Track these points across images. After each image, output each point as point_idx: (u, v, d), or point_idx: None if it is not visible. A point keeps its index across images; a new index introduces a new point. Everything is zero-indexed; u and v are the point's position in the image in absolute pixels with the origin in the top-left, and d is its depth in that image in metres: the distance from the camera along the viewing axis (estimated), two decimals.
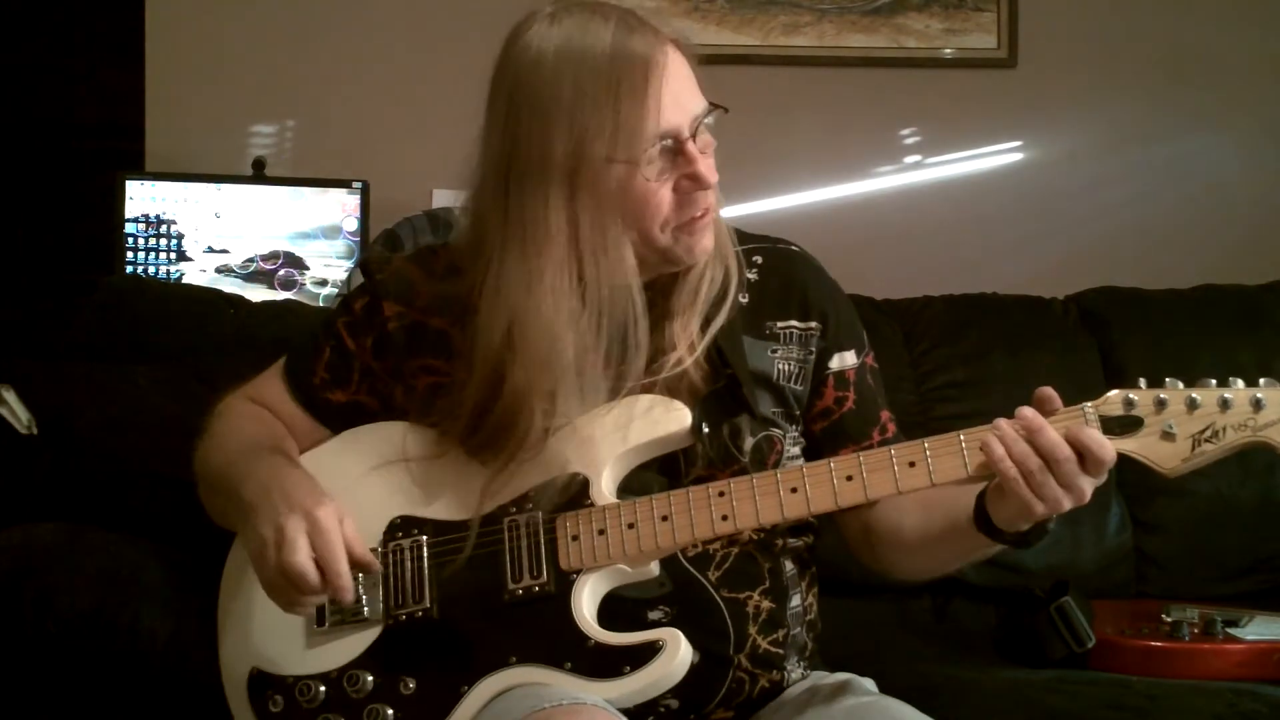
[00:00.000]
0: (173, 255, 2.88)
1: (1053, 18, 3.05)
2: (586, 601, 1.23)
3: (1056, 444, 1.17)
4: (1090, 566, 2.12)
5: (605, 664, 1.20)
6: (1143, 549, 2.17)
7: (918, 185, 3.07)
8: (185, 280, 2.83)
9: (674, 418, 1.28)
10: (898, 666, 1.37)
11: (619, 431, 1.27)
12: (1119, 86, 3.07)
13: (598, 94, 1.22)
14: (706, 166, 1.28)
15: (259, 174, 2.95)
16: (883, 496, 1.24)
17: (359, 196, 2.87)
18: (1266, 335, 2.27)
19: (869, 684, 1.36)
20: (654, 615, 1.28)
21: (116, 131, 3.21)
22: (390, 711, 1.22)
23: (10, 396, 1.82)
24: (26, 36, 3.69)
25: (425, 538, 1.28)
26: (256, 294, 2.70)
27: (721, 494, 1.23)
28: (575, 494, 1.26)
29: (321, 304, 2.80)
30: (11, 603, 1.41)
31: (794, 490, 1.22)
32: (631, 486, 1.30)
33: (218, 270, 2.88)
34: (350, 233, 2.88)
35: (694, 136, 1.27)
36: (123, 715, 1.43)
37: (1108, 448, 1.17)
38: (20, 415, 1.82)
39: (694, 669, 1.25)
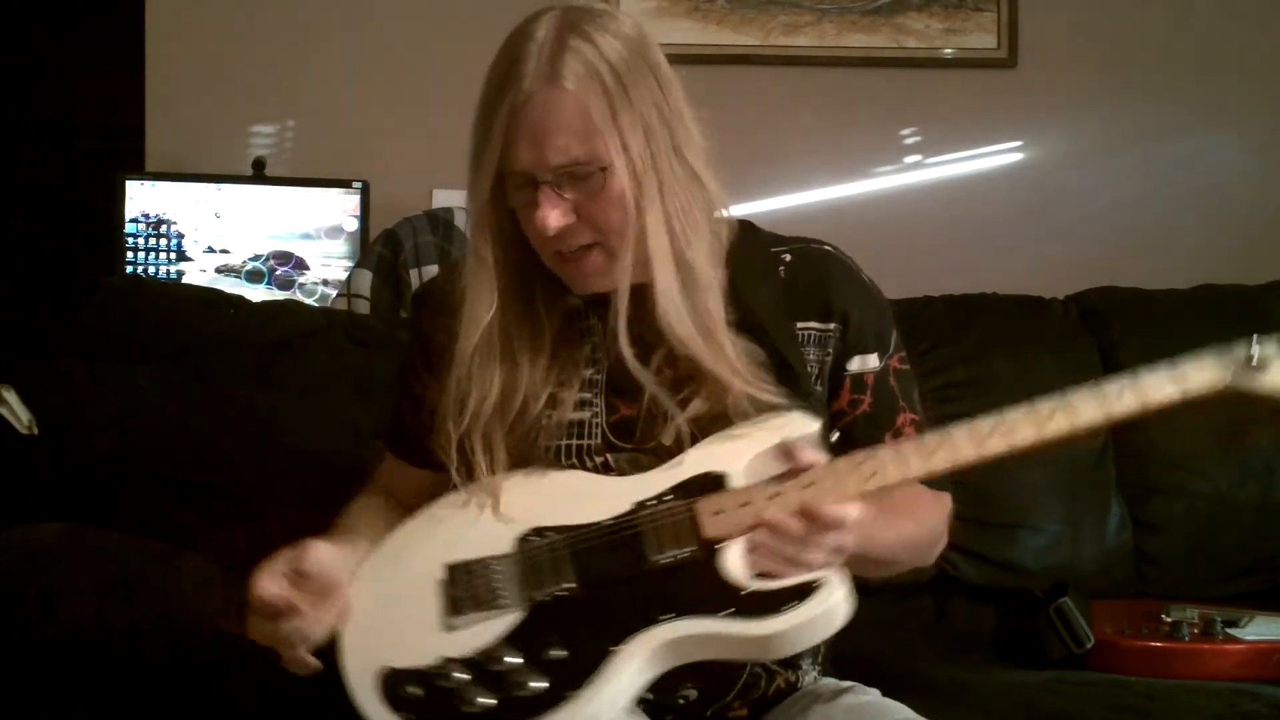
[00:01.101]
0: (173, 255, 2.88)
1: (1053, 18, 3.05)
2: (733, 563, 1.22)
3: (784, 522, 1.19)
4: (1090, 566, 2.12)
5: (766, 604, 1.18)
6: (1143, 549, 2.17)
7: (918, 185, 3.07)
8: (185, 280, 2.83)
9: (799, 423, 1.28)
10: (897, 667, 1.37)
11: (748, 437, 1.28)
12: (1119, 86, 3.07)
13: (479, 114, 1.27)
14: (543, 216, 1.24)
15: (259, 174, 2.95)
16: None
17: (359, 196, 2.87)
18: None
19: (874, 693, 1.37)
20: None
21: (116, 131, 3.21)
22: (537, 679, 1.20)
23: (10, 396, 1.82)
24: (26, 36, 3.69)
25: (561, 537, 1.27)
26: (256, 294, 2.70)
27: (865, 460, 1.23)
28: (713, 487, 1.25)
29: (321, 304, 2.80)
30: (13, 603, 1.41)
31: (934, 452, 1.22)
32: None
33: (218, 270, 2.88)
34: (350, 233, 2.88)
35: (560, 181, 1.24)
36: (122, 716, 1.43)
37: (839, 511, 1.18)
38: (20, 415, 1.82)
39: (712, 660, 1.26)
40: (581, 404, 1.34)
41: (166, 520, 1.77)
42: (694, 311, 1.29)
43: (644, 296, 1.28)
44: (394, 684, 1.22)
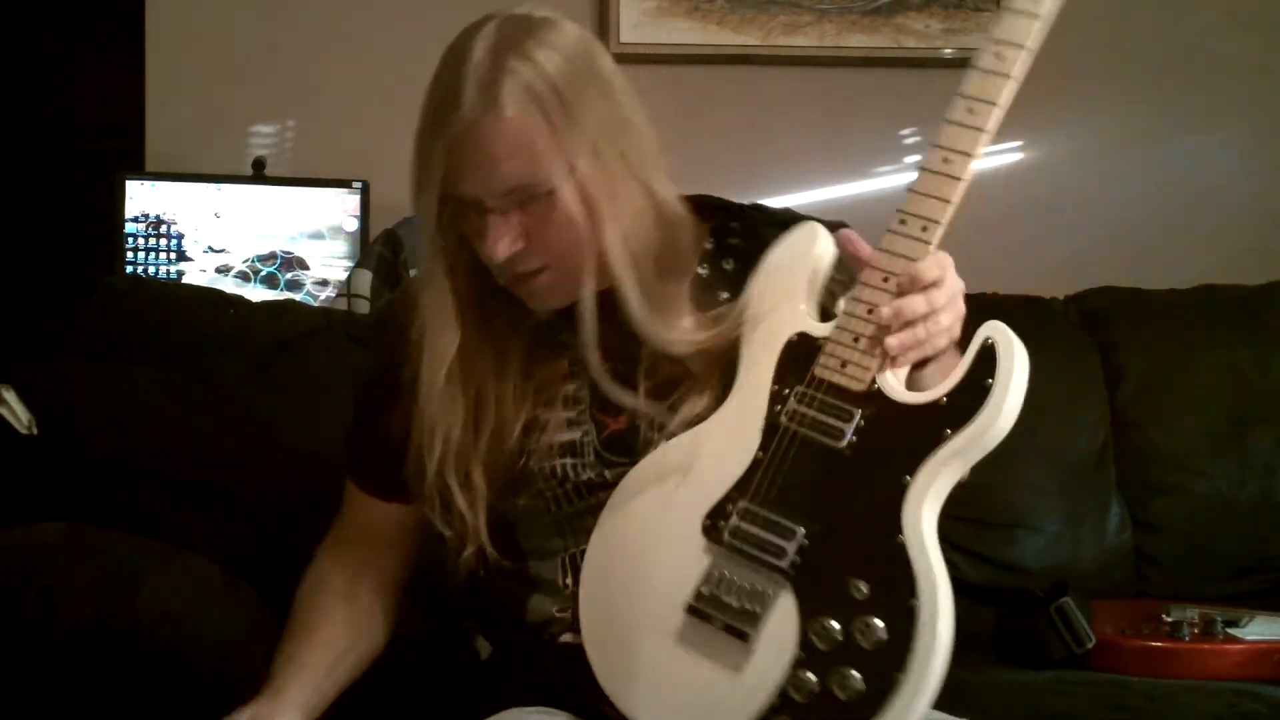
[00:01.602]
0: (173, 255, 2.88)
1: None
2: (903, 389, 1.17)
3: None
4: (1090, 566, 2.12)
5: (970, 396, 1.13)
6: (1143, 549, 2.17)
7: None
8: (185, 280, 2.83)
9: (811, 236, 1.28)
10: None
11: (784, 280, 1.25)
12: (1119, 87, 3.06)
13: (420, 137, 1.27)
14: (491, 243, 1.22)
15: (259, 174, 2.95)
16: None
17: (359, 196, 2.87)
18: (1266, 335, 2.27)
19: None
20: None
21: (116, 131, 3.21)
22: (872, 621, 1.11)
23: (10, 396, 1.82)
24: (27, 36, 3.69)
25: (742, 502, 1.18)
26: (256, 294, 2.70)
27: (903, 221, 1.20)
28: (809, 351, 1.20)
29: (320, 303, 2.80)
30: (13, 603, 1.41)
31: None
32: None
33: (218, 270, 2.88)
34: (350, 233, 2.88)
35: (506, 206, 1.22)
36: (122, 717, 1.43)
37: (928, 267, 1.16)
38: (20, 415, 1.82)
39: None
40: (570, 423, 1.31)
41: (166, 520, 1.77)
42: (664, 315, 1.26)
43: (613, 302, 1.25)
44: None
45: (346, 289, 2.69)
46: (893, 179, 3.07)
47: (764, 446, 1.19)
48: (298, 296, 2.82)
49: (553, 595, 1.31)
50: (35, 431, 1.82)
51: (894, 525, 1.12)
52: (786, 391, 1.20)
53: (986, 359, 1.13)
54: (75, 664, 1.41)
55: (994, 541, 2.13)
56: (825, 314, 1.25)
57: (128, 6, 3.12)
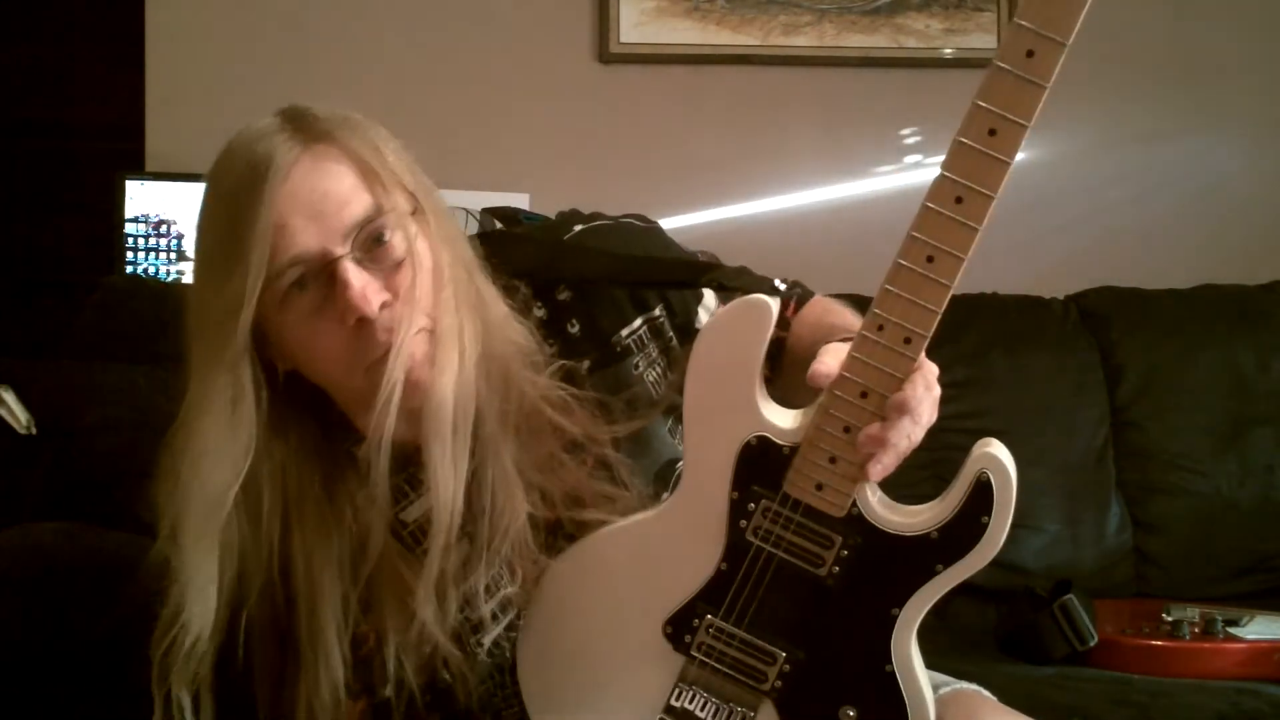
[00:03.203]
0: (173, 255, 2.88)
1: None
2: (883, 510, 1.08)
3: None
4: (1090, 566, 2.13)
5: (964, 535, 1.06)
6: (1143, 549, 2.17)
7: (918, 185, 3.06)
8: (185, 280, 2.83)
9: (756, 311, 1.07)
10: None
11: (740, 371, 1.07)
12: (1119, 86, 3.06)
13: (215, 231, 1.07)
14: (359, 291, 1.03)
15: None
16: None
17: None
18: (1266, 335, 2.27)
19: None
20: None
21: (116, 131, 3.21)
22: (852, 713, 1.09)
23: (10, 397, 1.82)
24: (26, 36, 3.69)
25: (709, 615, 1.10)
26: None
27: (880, 327, 1.05)
28: (773, 458, 1.07)
29: None
30: (12, 604, 1.41)
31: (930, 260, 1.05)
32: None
33: None
34: None
35: (357, 252, 1.05)
36: (122, 717, 1.43)
37: (910, 394, 1.05)
38: (20, 415, 1.82)
39: None
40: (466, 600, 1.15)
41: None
42: (517, 406, 1.12)
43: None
44: None
45: None
46: (892, 179, 3.07)
47: (728, 559, 1.09)
48: None
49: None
50: (35, 431, 1.81)
51: (883, 655, 1.09)
52: (751, 505, 1.08)
53: (983, 494, 1.06)
54: (74, 664, 1.41)
55: None
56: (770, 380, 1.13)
57: (128, 6, 3.12)
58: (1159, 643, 1.79)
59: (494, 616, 1.17)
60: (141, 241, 2.87)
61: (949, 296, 1.05)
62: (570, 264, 1.21)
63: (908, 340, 1.06)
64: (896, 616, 1.09)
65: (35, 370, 1.93)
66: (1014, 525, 2.12)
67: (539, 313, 1.19)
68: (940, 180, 1.07)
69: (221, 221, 1.06)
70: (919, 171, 3.08)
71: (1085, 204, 3.05)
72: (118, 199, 2.86)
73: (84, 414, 1.88)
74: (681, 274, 1.22)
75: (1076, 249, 3.02)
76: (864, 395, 1.05)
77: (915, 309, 1.05)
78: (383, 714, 1.16)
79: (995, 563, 2.24)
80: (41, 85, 3.63)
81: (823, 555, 1.08)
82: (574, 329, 1.19)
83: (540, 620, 1.16)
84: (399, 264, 1.07)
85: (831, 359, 1.04)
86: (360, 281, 1.04)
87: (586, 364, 1.18)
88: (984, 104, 1.05)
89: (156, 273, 2.86)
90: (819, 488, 1.06)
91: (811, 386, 1.04)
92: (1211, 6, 3.06)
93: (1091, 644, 1.79)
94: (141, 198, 2.87)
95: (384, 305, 1.06)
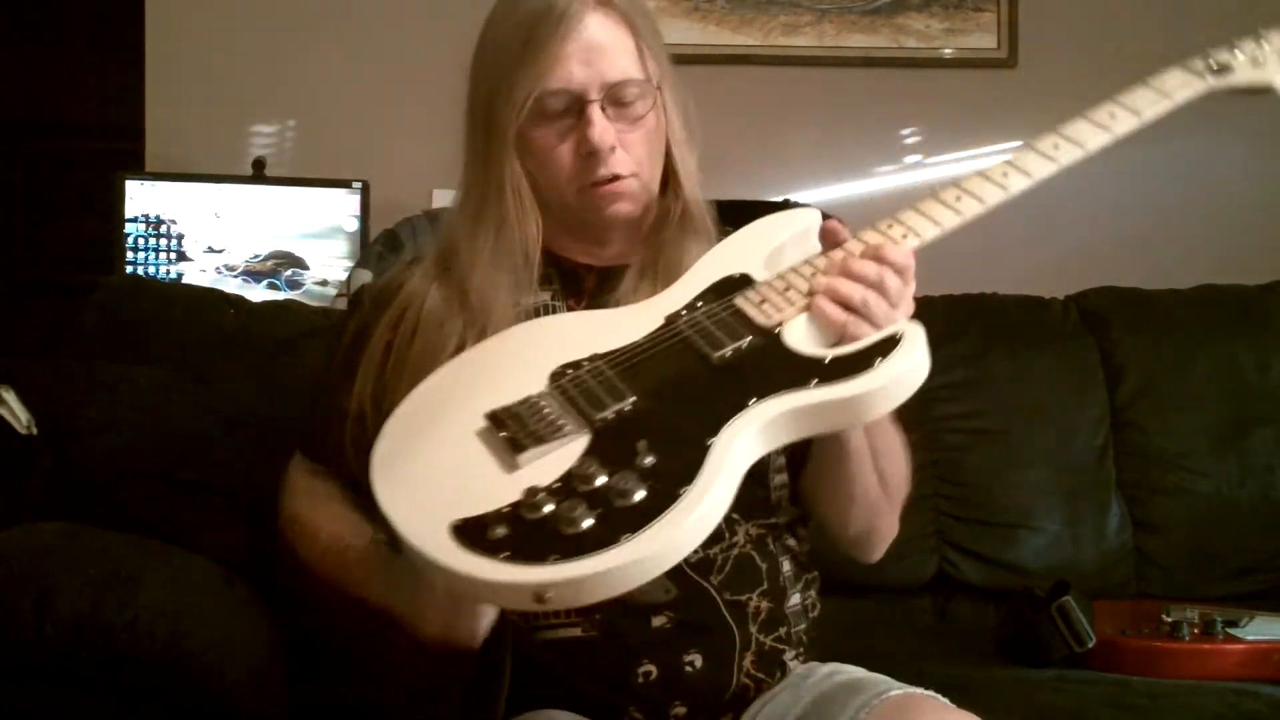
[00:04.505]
0: (173, 255, 2.88)
1: (1053, 18, 3.05)
2: (801, 338, 1.18)
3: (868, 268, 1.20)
4: (1090, 566, 2.13)
5: (855, 364, 1.13)
6: (1143, 549, 2.17)
7: (918, 185, 3.07)
8: (185, 280, 2.83)
9: (801, 214, 1.32)
10: (899, 666, 1.37)
11: (755, 240, 1.30)
12: (1119, 87, 3.05)
13: (511, 45, 1.30)
14: (600, 132, 1.29)
15: (259, 174, 2.95)
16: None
17: (359, 196, 2.87)
18: (1266, 335, 2.27)
19: (859, 670, 1.35)
20: (658, 621, 1.27)
21: (116, 131, 3.21)
22: (635, 481, 1.08)
23: (10, 396, 1.82)
24: (26, 36, 3.69)
25: (601, 363, 1.20)
26: (256, 294, 2.70)
27: (890, 225, 1.26)
28: (741, 285, 1.25)
29: (321, 303, 2.80)
30: (11, 604, 1.41)
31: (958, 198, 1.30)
32: None
33: (218, 270, 2.88)
34: (350, 233, 2.88)
35: (606, 103, 1.30)
36: (121, 717, 1.43)
37: (903, 252, 1.22)
38: (20, 415, 1.82)
39: (700, 673, 1.26)
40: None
41: (166, 520, 1.77)
42: (683, 249, 1.34)
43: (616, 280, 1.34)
44: (474, 532, 1.08)
45: (346, 289, 2.70)
46: (892, 179, 3.07)
47: (648, 335, 1.22)
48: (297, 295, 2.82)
49: None
50: (35, 431, 1.81)
51: (713, 429, 1.10)
52: (699, 303, 1.24)
53: (888, 344, 1.14)
54: (74, 663, 1.41)
55: (994, 541, 2.13)
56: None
57: (128, 6, 3.13)
58: (1158, 644, 1.79)
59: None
60: (141, 241, 2.87)
61: (956, 224, 1.27)
62: None
63: (905, 236, 1.24)
64: (750, 405, 1.11)
65: (35, 370, 1.93)
66: (1014, 525, 2.14)
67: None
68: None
69: (518, 41, 1.30)
70: (919, 171, 3.09)
71: (1085, 204, 3.05)
72: (118, 199, 2.86)
73: (84, 414, 1.88)
74: None
75: (1076, 249, 3.02)
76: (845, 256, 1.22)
77: (924, 221, 1.26)
78: None
79: (994, 562, 2.25)
80: (41, 85, 3.64)
81: (724, 343, 1.18)
82: None
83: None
84: (635, 122, 1.32)
85: (845, 232, 1.25)
86: (601, 125, 1.29)
87: None
88: None
89: (156, 273, 2.86)
90: (762, 302, 1.21)
91: (826, 243, 1.26)
92: (1212, 6, 3.06)
93: (1090, 645, 1.79)
94: (141, 198, 2.87)
95: (612, 148, 1.30)
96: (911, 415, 1.31)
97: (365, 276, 2.66)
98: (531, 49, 1.28)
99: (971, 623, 2.10)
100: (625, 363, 1.20)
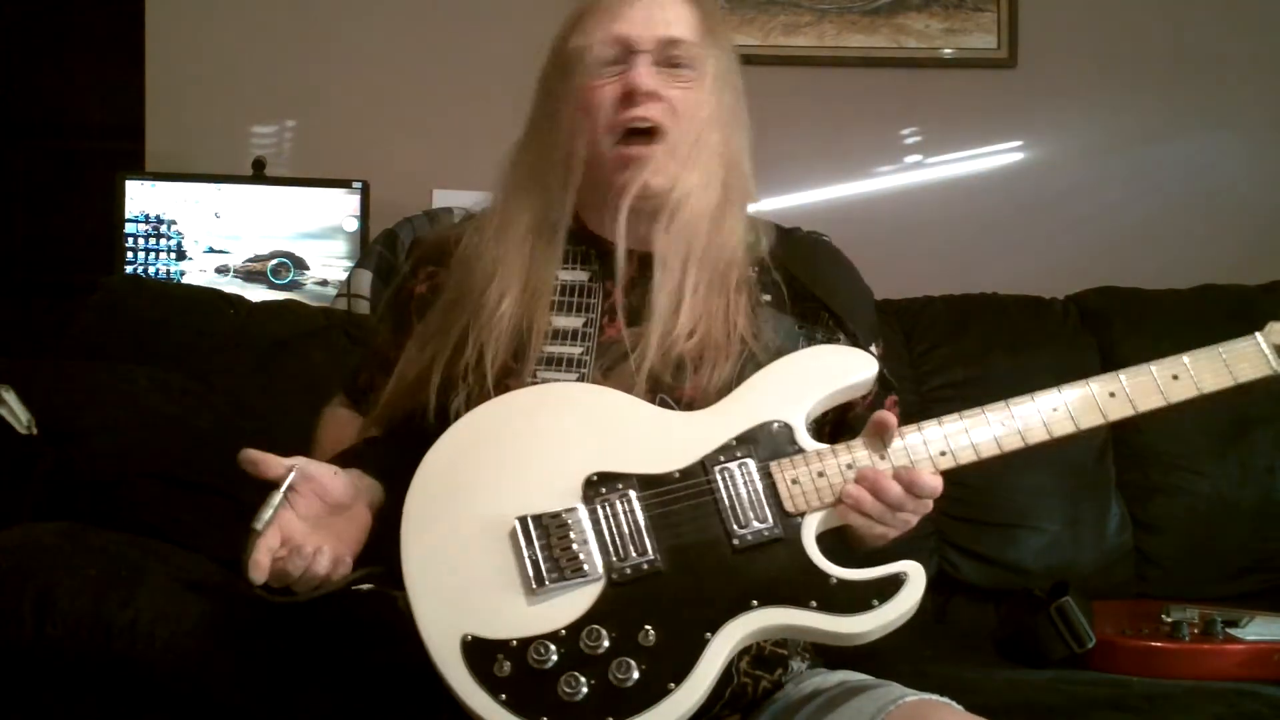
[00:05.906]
0: (173, 255, 2.88)
1: (1053, 18, 3.05)
2: (814, 543, 1.24)
3: (893, 490, 1.24)
4: (1090, 566, 2.12)
5: (854, 600, 1.19)
6: (1143, 549, 2.17)
7: (918, 185, 3.07)
8: (185, 280, 2.83)
9: (862, 364, 1.33)
10: (899, 666, 1.37)
11: (809, 379, 1.31)
12: (1119, 86, 3.07)
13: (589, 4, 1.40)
14: (642, 74, 1.35)
15: (259, 174, 2.95)
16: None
17: (359, 196, 2.87)
18: None
19: (865, 677, 1.36)
20: None
21: (116, 131, 3.21)
22: (634, 664, 1.17)
23: (10, 396, 1.82)
24: (26, 36, 3.69)
25: (633, 492, 1.24)
26: (256, 294, 2.70)
27: (943, 453, 1.28)
28: (781, 441, 1.27)
29: (321, 303, 2.80)
30: (12, 604, 1.41)
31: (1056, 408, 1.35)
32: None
33: (218, 270, 2.88)
34: (350, 233, 2.88)
35: (657, 57, 1.36)
36: (122, 717, 1.43)
37: (935, 481, 1.25)
38: (20, 415, 1.82)
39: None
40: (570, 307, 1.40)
41: (166, 520, 1.77)
42: (719, 244, 1.38)
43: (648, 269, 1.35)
44: (481, 655, 1.18)
45: (346, 289, 2.70)
46: (892, 179, 3.07)
47: (683, 471, 1.26)
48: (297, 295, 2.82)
49: None
50: (35, 431, 1.81)
51: (713, 625, 1.18)
52: (738, 453, 1.26)
53: (890, 586, 1.20)
54: (74, 663, 1.41)
55: (994, 541, 2.13)
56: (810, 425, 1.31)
57: (128, 6, 3.13)
58: (1158, 644, 1.79)
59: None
60: (141, 241, 2.87)
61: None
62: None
63: (943, 454, 1.28)
64: (750, 609, 1.19)
65: (35, 370, 1.93)
66: (1014, 525, 2.14)
67: (771, 246, 1.47)
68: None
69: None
70: (919, 171, 3.09)
71: (1085, 204, 3.05)
72: (118, 199, 2.86)
73: (84, 414, 1.88)
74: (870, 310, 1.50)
75: (1076, 249, 3.02)
76: (883, 458, 1.27)
77: (968, 449, 1.29)
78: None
79: (994, 563, 2.25)
80: (41, 85, 3.64)
81: (746, 524, 1.23)
82: (778, 276, 1.44)
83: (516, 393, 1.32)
84: (680, 82, 1.38)
85: (893, 422, 1.27)
86: (646, 69, 1.36)
87: (768, 297, 1.42)
88: None
89: (156, 273, 2.86)
90: (794, 481, 1.25)
91: (871, 430, 1.28)
92: (1212, 6, 3.06)
93: (1089, 646, 1.79)
94: (141, 198, 2.87)
95: (649, 92, 1.35)
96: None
97: (365, 276, 2.67)
98: (604, 3, 1.38)
99: (971, 623, 2.10)
100: (656, 502, 1.24)
